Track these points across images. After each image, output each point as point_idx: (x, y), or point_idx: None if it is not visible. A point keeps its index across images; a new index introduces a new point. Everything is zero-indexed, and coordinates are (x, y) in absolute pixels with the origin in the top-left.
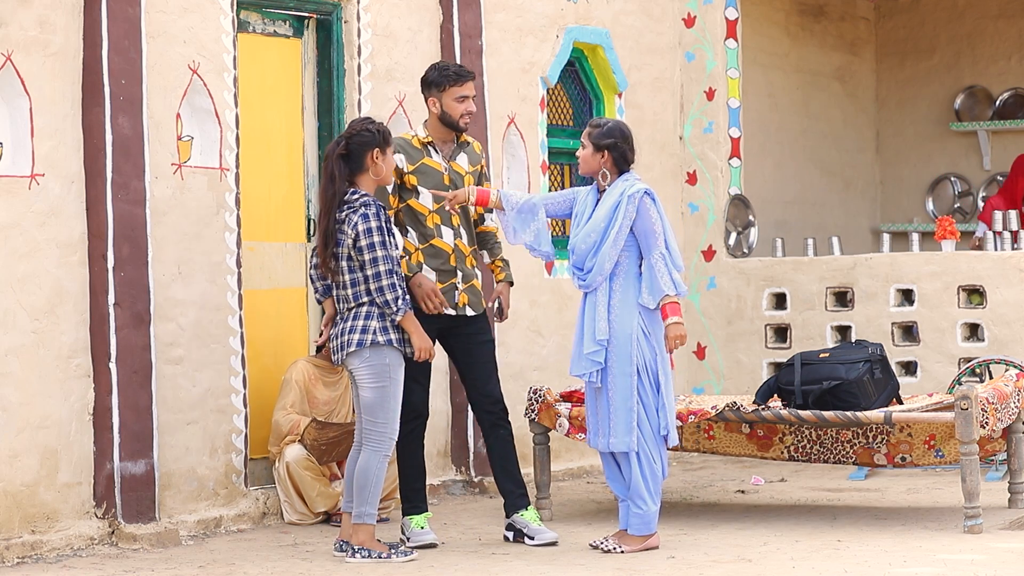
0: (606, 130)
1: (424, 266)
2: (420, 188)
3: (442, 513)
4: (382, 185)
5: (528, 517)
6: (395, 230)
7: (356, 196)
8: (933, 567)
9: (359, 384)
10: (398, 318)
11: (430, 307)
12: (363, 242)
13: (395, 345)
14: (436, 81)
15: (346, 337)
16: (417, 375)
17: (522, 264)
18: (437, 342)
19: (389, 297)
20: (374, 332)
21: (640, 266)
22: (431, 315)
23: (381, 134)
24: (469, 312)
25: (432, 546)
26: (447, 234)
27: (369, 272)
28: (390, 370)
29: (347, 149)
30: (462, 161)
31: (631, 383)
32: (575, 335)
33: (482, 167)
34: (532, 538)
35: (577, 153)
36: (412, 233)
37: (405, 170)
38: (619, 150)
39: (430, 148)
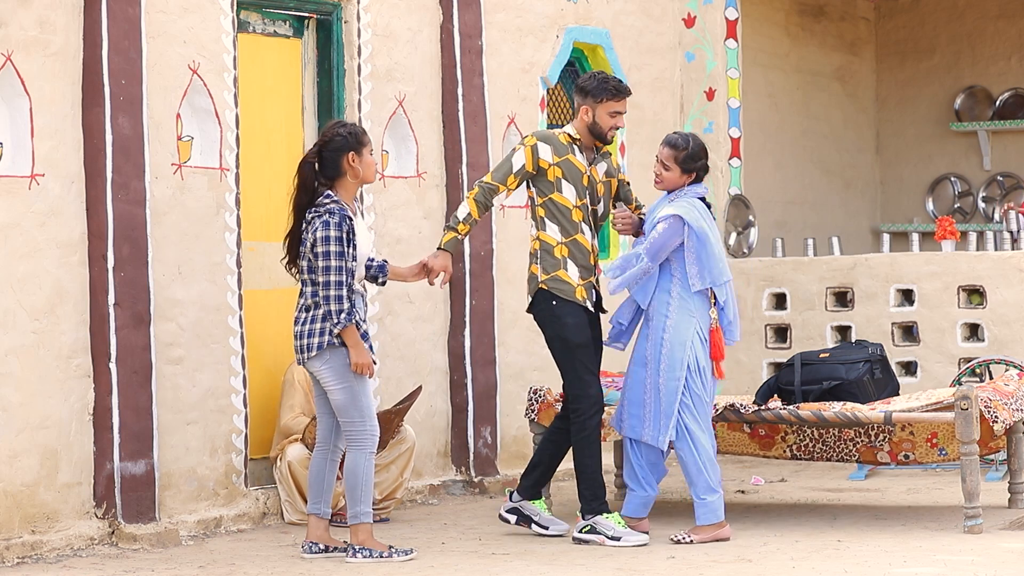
0: (692, 152)
1: (568, 261)
2: (564, 181)
3: (442, 513)
4: (367, 183)
5: (538, 505)
6: (356, 240)
7: (327, 200)
8: (933, 567)
9: (325, 387)
10: (337, 330)
11: (431, 280)
12: (319, 248)
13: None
14: (594, 92)
15: (305, 341)
16: (591, 367)
17: (522, 266)
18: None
19: (334, 308)
20: (330, 334)
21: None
22: (587, 310)
23: (354, 136)
24: (600, 312)
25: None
26: (587, 232)
27: (320, 279)
28: (351, 368)
29: (320, 157)
30: (600, 169)
31: (678, 385)
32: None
33: (622, 179)
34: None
35: (656, 170)
36: (553, 227)
37: (551, 162)
38: (706, 169)
39: (575, 147)
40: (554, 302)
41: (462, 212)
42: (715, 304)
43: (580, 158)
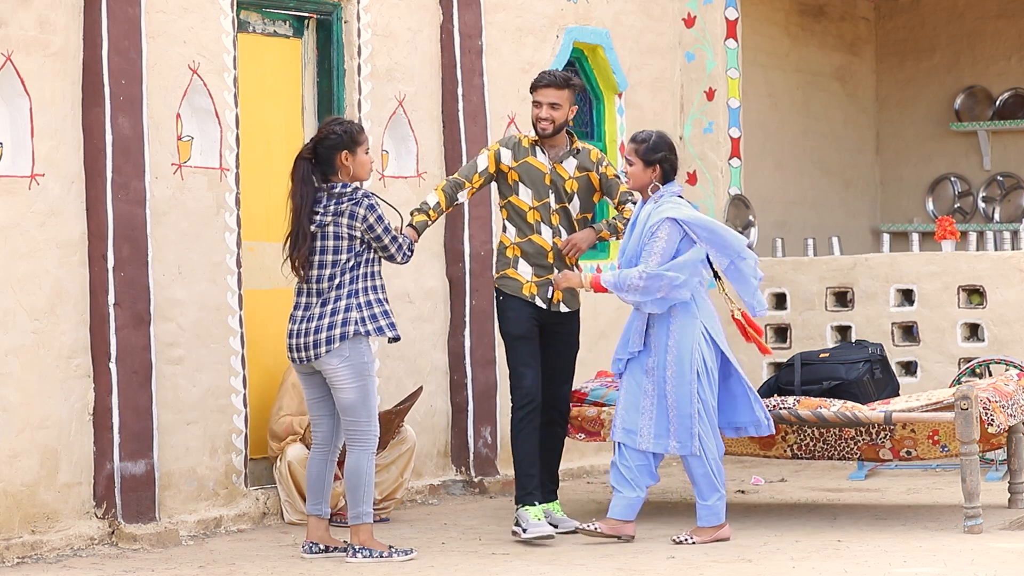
0: (653, 144)
1: (520, 260)
2: (521, 184)
3: (442, 513)
4: (360, 181)
5: (552, 507)
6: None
7: (350, 188)
8: (933, 567)
9: (337, 384)
10: (412, 244)
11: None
12: (379, 228)
13: (373, 335)
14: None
15: (323, 334)
16: (528, 359)
17: None
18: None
19: (406, 248)
20: (356, 323)
21: (701, 279)
22: (537, 307)
23: (349, 135)
24: (563, 308)
25: (549, 537)
26: (546, 232)
27: (393, 250)
28: (368, 367)
29: (314, 154)
30: (568, 165)
31: (692, 390)
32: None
33: (608, 172)
34: (555, 526)
35: (624, 168)
36: (512, 228)
37: (510, 165)
38: (669, 162)
39: (536, 148)
40: (500, 298)
41: (432, 200)
42: (744, 279)
43: (542, 158)
